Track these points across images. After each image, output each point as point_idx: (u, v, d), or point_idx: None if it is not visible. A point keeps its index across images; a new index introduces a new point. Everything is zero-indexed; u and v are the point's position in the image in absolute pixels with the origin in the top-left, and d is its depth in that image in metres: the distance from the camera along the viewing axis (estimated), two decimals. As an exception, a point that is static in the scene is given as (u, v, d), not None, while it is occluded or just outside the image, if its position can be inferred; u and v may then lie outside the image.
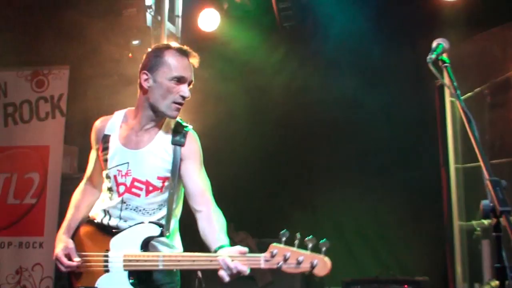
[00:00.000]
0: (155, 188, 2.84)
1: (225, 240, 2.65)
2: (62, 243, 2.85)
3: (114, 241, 2.80)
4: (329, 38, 6.25)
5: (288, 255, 2.42)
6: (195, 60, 2.87)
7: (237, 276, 2.50)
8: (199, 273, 4.42)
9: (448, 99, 5.65)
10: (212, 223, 2.73)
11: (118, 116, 2.97)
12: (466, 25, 5.55)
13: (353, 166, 6.42)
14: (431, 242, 5.94)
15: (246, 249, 2.55)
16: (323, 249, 2.42)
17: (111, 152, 2.87)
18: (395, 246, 6.17)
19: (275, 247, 2.45)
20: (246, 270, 2.50)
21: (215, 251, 2.59)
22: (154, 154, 2.84)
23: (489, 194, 2.33)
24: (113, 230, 2.83)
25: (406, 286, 5.18)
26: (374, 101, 6.15)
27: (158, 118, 2.85)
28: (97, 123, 2.99)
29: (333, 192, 6.40)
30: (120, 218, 2.86)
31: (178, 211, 2.99)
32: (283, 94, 6.48)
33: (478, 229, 5.53)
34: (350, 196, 6.37)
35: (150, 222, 2.80)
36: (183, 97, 2.79)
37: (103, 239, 2.83)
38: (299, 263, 2.40)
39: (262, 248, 2.50)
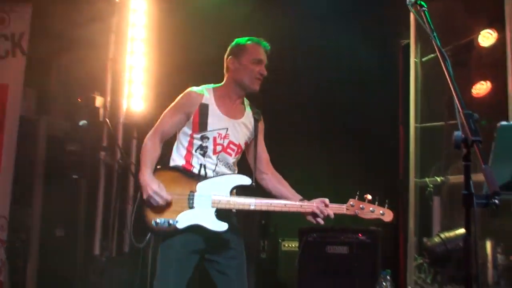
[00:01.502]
0: (241, 151, 3.62)
1: (298, 195, 3.53)
2: (155, 182, 3.34)
3: (202, 185, 3.39)
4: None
5: (362, 206, 3.39)
6: (267, 47, 3.64)
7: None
8: None
9: (412, 59, 5.81)
10: (282, 182, 3.65)
11: (208, 91, 3.59)
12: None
13: (313, 120, 6.53)
14: (385, 197, 6.12)
15: (327, 200, 3.41)
16: (386, 205, 3.44)
17: (212, 118, 3.51)
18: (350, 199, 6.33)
19: (352, 201, 3.40)
20: (332, 215, 3.39)
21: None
22: (245, 125, 3.62)
23: (461, 126, 2.44)
24: (200, 177, 3.43)
25: (360, 234, 5.36)
26: (338, 58, 6.25)
27: (243, 93, 3.62)
28: (192, 92, 3.57)
29: (292, 147, 6.50)
30: (214, 171, 3.48)
31: None
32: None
33: (431, 185, 5.78)
34: (308, 150, 6.49)
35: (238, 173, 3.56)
36: (262, 75, 3.56)
37: (189, 183, 3.40)
38: (372, 212, 3.41)
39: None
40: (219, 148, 3.51)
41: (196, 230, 3.34)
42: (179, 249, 3.35)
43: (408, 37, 5.79)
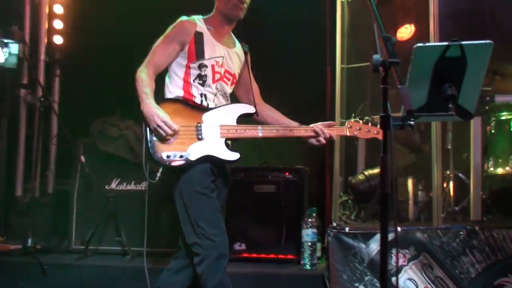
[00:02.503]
0: (235, 81, 3.70)
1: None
2: (161, 111, 3.31)
3: (208, 116, 3.42)
4: None
5: (359, 127, 3.67)
6: None
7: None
8: None
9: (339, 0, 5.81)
10: (275, 111, 3.84)
11: (199, 21, 3.58)
12: None
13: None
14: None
15: (334, 122, 3.75)
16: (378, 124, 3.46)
17: (208, 46, 3.50)
18: (279, 140, 6.38)
19: (349, 122, 3.70)
20: (334, 136, 3.68)
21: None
22: (238, 55, 3.70)
23: (379, 49, 2.47)
24: (204, 108, 3.45)
25: (287, 173, 5.43)
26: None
27: (229, 22, 3.63)
28: (185, 21, 3.53)
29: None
30: (214, 101, 3.52)
31: None
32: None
33: (357, 126, 5.89)
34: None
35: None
36: (242, 2, 3.53)
37: (194, 114, 3.41)
38: (368, 131, 3.67)
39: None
40: (217, 76, 3.53)
41: (207, 160, 3.37)
42: (199, 180, 3.37)
43: (335, -22, 5.77)
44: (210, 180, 3.43)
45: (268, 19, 6.39)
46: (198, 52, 3.49)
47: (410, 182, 5.73)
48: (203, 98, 3.49)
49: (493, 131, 5.42)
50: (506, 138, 5.34)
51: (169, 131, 3.28)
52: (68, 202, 5.60)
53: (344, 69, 5.91)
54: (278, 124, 3.67)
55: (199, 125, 3.38)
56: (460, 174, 5.63)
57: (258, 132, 3.46)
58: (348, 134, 3.67)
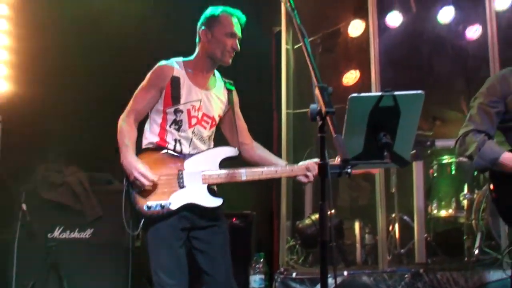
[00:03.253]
0: (215, 124, 3.55)
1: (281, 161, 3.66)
2: (139, 163, 3.25)
3: (189, 162, 3.34)
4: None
5: None
6: (242, 19, 3.53)
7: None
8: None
9: (284, 46, 5.93)
10: (264, 150, 3.69)
11: (178, 64, 3.51)
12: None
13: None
14: (260, 182, 6.21)
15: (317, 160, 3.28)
16: None
17: (184, 90, 3.43)
18: (225, 185, 6.36)
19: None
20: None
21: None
22: (218, 96, 3.57)
23: (316, 99, 2.51)
24: (184, 155, 3.37)
25: (234, 219, 5.40)
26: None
27: (215, 65, 3.54)
28: (163, 66, 3.47)
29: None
30: (190, 146, 3.42)
31: None
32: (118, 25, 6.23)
33: (304, 170, 5.94)
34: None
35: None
36: (234, 49, 3.49)
37: (175, 162, 3.34)
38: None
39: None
40: (194, 120, 3.44)
41: (188, 209, 3.28)
42: (168, 230, 3.26)
43: (280, 24, 5.91)
44: (179, 228, 3.33)
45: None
46: (174, 97, 3.43)
47: (356, 225, 5.80)
48: (177, 144, 3.42)
49: (435, 175, 5.57)
50: (448, 181, 5.49)
51: (147, 183, 3.22)
52: (8, 252, 5.40)
53: (290, 114, 6.00)
54: (267, 164, 3.51)
55: (180, 172, 3.31)
56: (405, 217, 5.73)
57: (242, 175, 3.34)
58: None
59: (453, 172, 5.46)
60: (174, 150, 3.39)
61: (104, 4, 5.94)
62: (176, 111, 3.43)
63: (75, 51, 6.04)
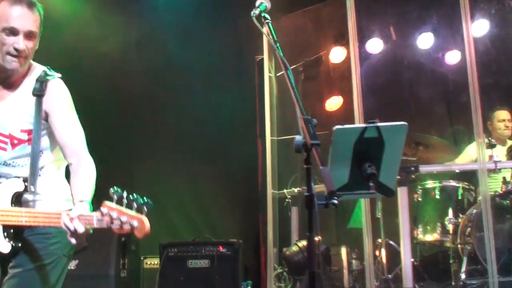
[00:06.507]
0: (21, 141, 2.75)
1: (84, 195, 2.59)
2: None
3: None
4: (152, 7, 6.27)
5: (114, 215, 2.35)
6: (37, 9, 2.68)
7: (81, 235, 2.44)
8: None
9: (266, 74, 5.98)
10: (78, 176, 2.70)
11: None
12: (283, 3, 5.91)
13: (174, 135, 6.51)
14: (246, 209, 6.26)
15: (79, 209, 2.46)
16: (145, 210, 2.38)
17: None
18: (212, 213, 6.40)
19: (105, 206, 2.38)
20: (83, 230, 2.40)
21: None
22: (14, 107, 2.73)
23: (301, 131, 2.53)
24: None
25: (220, 247, 5.38)
26: (196, 74, 6.31)
27: (3, 71, 2.70)
28: None
29: (151, 161, 6.43)
30: None
31: (55, 164, 2.88)
32: (108, 59, 6.30)
33: (289, 197, 5.97)
34: (168, 165, 6.45)
35: (16, 177, 2.71)
36: (16, 49, 2.64)
37: None
38: (122, 223, 2.35)
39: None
40: None
41: None
42: None
43: (263, 52, 5.97)
44: None
45: (197, 91, 6.49)
46: None
47: (343, 251, 5.80)
48: None
49: (420, 199, 5.60)
50: (433, 205, 5.52)
51: None
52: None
53: (275, 141, 6.03)
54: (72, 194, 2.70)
55: None
56: (391, 242, 5.74)
57: (22, 220, 2.58)
58: (96, 226, 2.40)
59: (437, 196, 5.50)
60: None
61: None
62: None
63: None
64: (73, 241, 2.45)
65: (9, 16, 2.62)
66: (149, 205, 2.39)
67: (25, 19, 2.65)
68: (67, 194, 2.85)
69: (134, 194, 2.40)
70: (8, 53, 2.64)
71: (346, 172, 2.58)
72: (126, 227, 2.35)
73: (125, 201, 2.37)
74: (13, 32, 2.63)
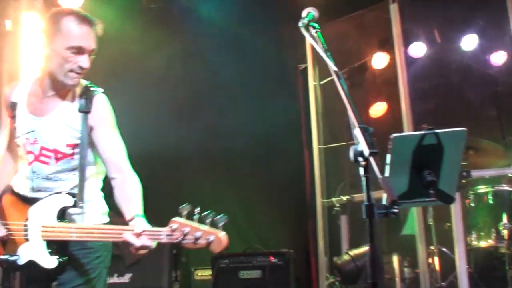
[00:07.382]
0: (65, 155, 2.78)
1: (136, 209, 2.60)
2: None
3: (32, 211, 2.71)
4: (195, 20, 6.35)
5: (186, 231, 2.37)
6: (98, 27, 2.78)
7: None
8: None
9: (311, 82, 5.99)
10: (125, 191, 2.70)
11: (27, 82, 2.88)
12: (326, 10, 5.90)
13: (219, 147, 6.55)
14: (295, 219, 6.24)
15: (143, 225, 2.50)
16: (220, 224, 2.38)
17: (19, 120, 2.81)
18: (261, 224, 6.40)
19: (175, 222, 2.39)
20: (151, 244, 2.46)
21: (128, 223, 2.56)
22: (59, 121, 2.77)
23: (356, 139, 2.52)
24: (31, 199, 2.75)
25: (272, 257, 5.38)
26: (240, 86, 6.35)
27: (59, 85, 2.77)
28: (6, 90, 2.90)
29: (199, 174, 6.49)
30: (33, 188, 2.80)
31: (96, 178, 2.92)
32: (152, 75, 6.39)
33: (338, 205, 5.94)
34: (215, 177, 6.50)
35: (64, 192, 2.74)
36: (81, 68, 2.71)
37: (23, 208, 2.74)
38: (196, 239, 2.36)
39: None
40: (31, 157, 2.79)
41: (31, 265, 2.68)
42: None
43: (306, 62, 5.98)
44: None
45: (241, 102, 6.52)
46: (14, 128, 2.85)
47: (395, 260, 5.72)
48: (21, 184, 2.85)
49: (472, 204, 5.48)
50: (486, 210, 5.39)
51: None
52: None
53: (321, 149, 6.02)
54: (121, 209, 2.68)
55: (26, 223, 2.71)
56: (444, 249, 5.63)
57: (72, 235, 2.59)
58: (165, 241, 2.43)
59: (490, 201, 5.38)
60: (18, 192, 2.85)
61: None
62: (17, 145, 2.86)
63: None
64: (136, 252, 2.51)
65: (77, 35, 2.68)
66: (222, 219, 2.38)
67: (90, 37, 2.73)
68: (103, 208, 2.92)
69: (209, 211, 2.40)
70: (72, 71, 2.71)
71: (405, 180, 2.56)
72: (202, 241, 2.36)
73: (196, 216, 2.38)
74: (79, 51, 2.69)
